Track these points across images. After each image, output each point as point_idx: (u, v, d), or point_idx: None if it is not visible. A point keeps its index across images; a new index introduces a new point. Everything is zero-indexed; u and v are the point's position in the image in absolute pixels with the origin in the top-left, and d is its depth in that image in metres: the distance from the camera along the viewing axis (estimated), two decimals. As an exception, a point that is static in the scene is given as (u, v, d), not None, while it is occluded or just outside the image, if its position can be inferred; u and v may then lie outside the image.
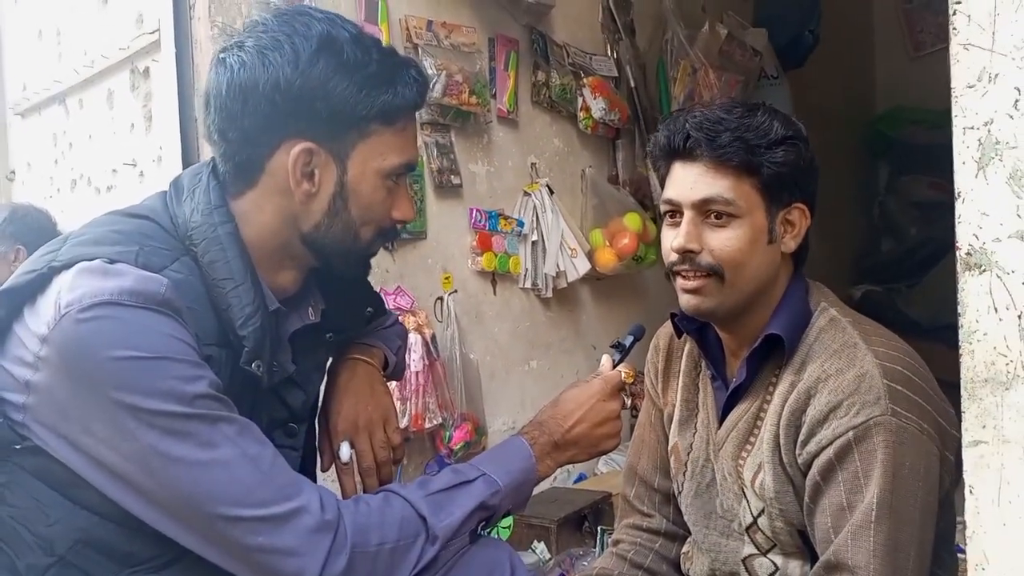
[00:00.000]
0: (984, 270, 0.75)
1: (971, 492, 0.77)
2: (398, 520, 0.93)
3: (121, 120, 2.21)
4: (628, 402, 1.16)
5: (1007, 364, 0.74)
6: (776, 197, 1.07)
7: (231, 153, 0.97)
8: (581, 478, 2.69)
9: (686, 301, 1.09)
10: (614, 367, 1.15)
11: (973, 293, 0.76)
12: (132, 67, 2.14)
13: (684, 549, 1.27)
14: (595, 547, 2.13)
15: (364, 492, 1.10)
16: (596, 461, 2.77)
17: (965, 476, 0.77)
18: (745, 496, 1.11)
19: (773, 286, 1.11)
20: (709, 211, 1.05)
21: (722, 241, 1.05)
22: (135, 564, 0.90)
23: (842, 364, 1.02)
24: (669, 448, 1.26)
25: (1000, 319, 0.75)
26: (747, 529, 1.12)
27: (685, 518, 1.24)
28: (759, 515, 1.10)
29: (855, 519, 0.98)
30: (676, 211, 1.08)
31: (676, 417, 1.24)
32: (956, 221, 0.77)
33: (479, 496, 0.98)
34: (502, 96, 2.51)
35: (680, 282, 1.09)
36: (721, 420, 1.15)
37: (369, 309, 1.18)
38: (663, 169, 1.12)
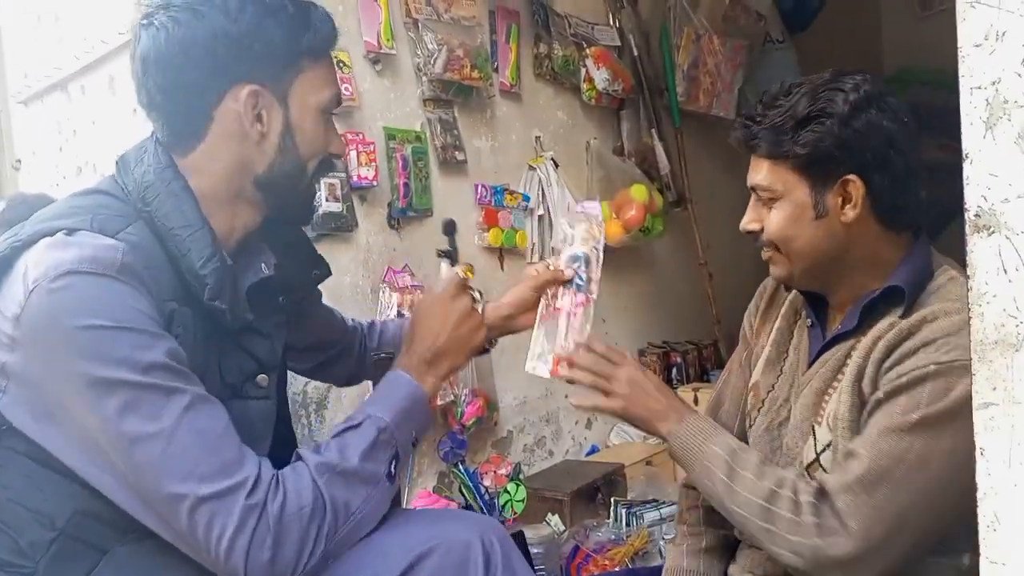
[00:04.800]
0: (993, 231, 0.74)
1: (982, 454, 0.77)
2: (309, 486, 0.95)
3: (123, 105, 2.20)
4: (477, 295, 1.21)
5: (1017, 325, 0.74)
6: (818, 174, 1.10)
7: (176, 110, 1.01)
8: (594, 450, 2.71)
9: (771, 271, 1.21)
10: (453, 267, 1.24)
11: (982, 255, 0.75)
12: (132, 52, 2.13)
13: None
14: (609, 519, 2.15)
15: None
16: (608, 432, 2.79)
17: (976, 438, 0.77)
18: (814, 433, 1.13)
19: (848, 254, 1.13)
20: (759, 195, 1.15)
21: (769, 220, 1.15)
22: (135, 530, 0.92)
23: (951, 309, 1.05)
24: (750, 385, 1.30)
25: (1009, 280, 0.74)
26: (808, 467, 1.13)
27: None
28: (823, 450, 1.11)
29: (891, 424, 1.00)
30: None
31: (764, 357, 1.28)
32: (964, 183, 0.76)
33: (370, 437, 1.01)
34: (504, 69, 2.49)
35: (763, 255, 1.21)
36: (810, 364, 1.19)
37: (315, 271, 1.21)
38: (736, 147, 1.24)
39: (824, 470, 1.10)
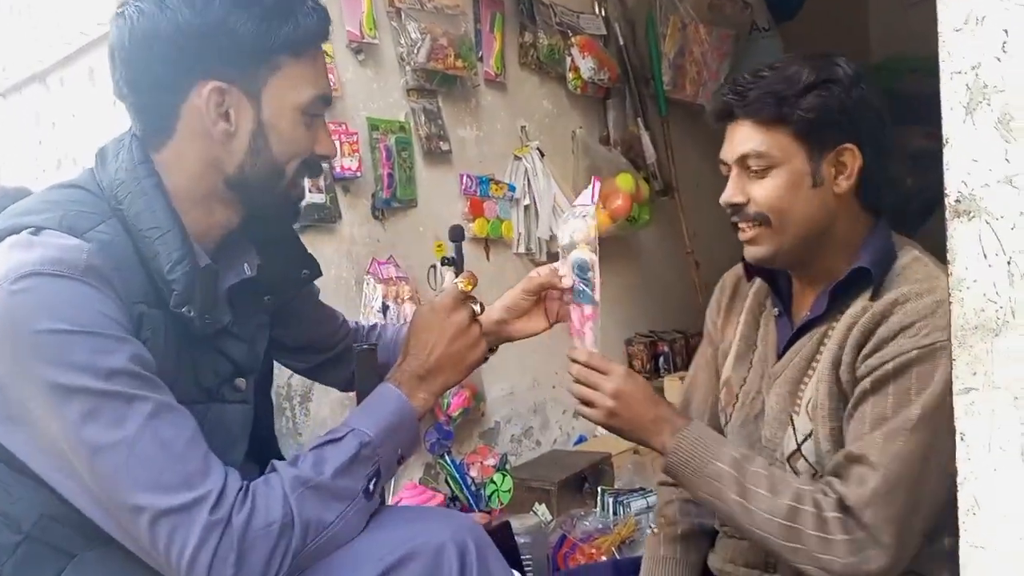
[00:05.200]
0: (973, 216, 0.74)
1: (962, 439, 0.77)
2: (280, 499, 0.91)
3: (103, 97, 2.18)
4: (477, 308, 1.13)
5: (997, 310, 0.74)
6: (817, 141, 1.09)
7: (143, 104, 0.97)
8: (581, 440, 2.71)
9: (747, 252, 1.17)
10: (457, 277, 1.15)
11: (962, 240, 0.75)
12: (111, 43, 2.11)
13: None
14: (596, 508, 2.15)
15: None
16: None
17: (956, 423, 0.77)
18: (792, 423, 1.13)
19: (833, 227, 1.13)
20: (748, 165, 1.12)
21: (762, 190, 1.11)
22: (102, 536, 0.89)
23: (920, 290, 1.05)
24: (722, 381, 1.29)
25: (990, 265, 0.74)
26: (788, 458, 1.13)
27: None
28: (804, 440, 1.11)
29: (893, 423, 1.00)
30: (727, 170, 1.16)
31: (733, 352, 1.27)
32: (944, 168, 0.76)
33: (349, 451, 0.96)
34: (489, 59, 2.48)
35: (739, 234, 1.16)
36: (781, 354, 1.18)
37: (305, 271, 1.17)
38: (721, 134, 1.18)
39: (806, 459, 1.10)
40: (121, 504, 0.85)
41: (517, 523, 1.95)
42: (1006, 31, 0.72)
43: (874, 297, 1.08)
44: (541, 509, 2.14)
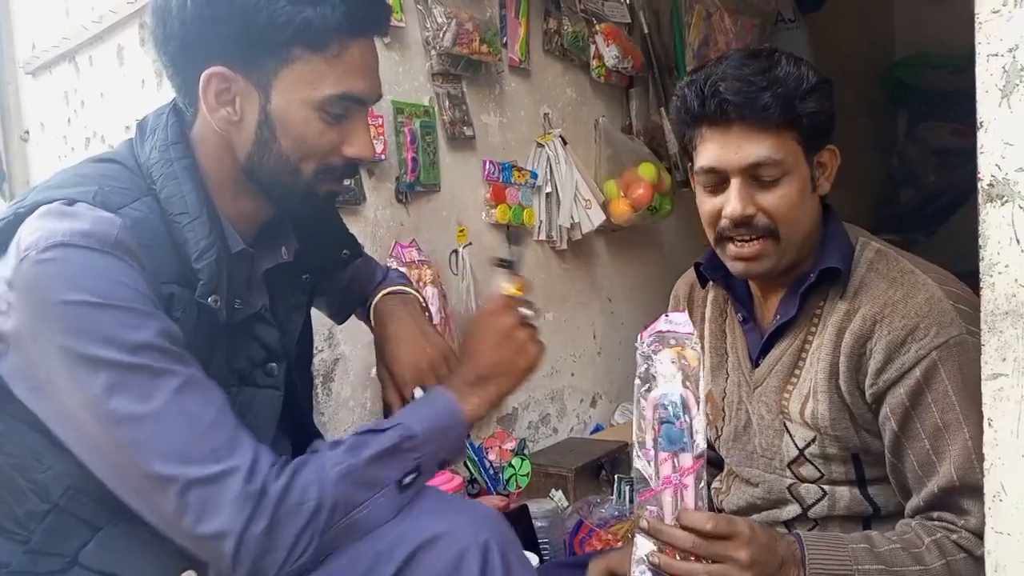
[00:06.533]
0: (1006, 201, 0.74)
1: (989, 424, 0.77)
2: (317, 481, 0.89)
3: (132, 76, 2.20)
4: (529, 312, 1.04)
5: (1028, 296, 0.74)
6: (812, 144, 1.07)
7: (171, 77, 0.97)
8: (598, 428, 2.72)
9: (741, 268, 1.08)
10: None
11: (994, 224, 0.75)
12: (141, 21, 2.12)
13: (715, 484, 1.29)
14: (612, 495, 2.16)
15: None
16: (612, 412, 2.79)
17: (984, 408, 0.77)
18: (788, 430, 1.11)
19: (814, 231, 1.11)
20: (758, 175, 1.04)
21: (775, 201, 1.04)
22: (126, 510, 0.89)
23: (907, 290, 1.03)
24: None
25: (1022, 251, 0.74)
26: (789, 464, 1.12)
27: (727, 460, 1.25)
28: (808, 445, 1.09)
29: (952, 432, 0.98)
30: (720, 179, 1.06)
31: (706, 365, 1.24)
32: (978, 152, 0.75)
33: (389, 442, 0.93)
34: (513, 45, 2.47)
35: (733, 249, 1.07)
36: (756, 360, 1.16)
37: (345, 252, 1.15)
38: (688, 132, 1.10)
39: (811, 463, 1.10)
40: (147, 474, 0.84)
41: (534, 507, 1.97)
42: (1045, 14, 0.71)
43: (847, 296, 1.06)
44: (558, 495, 2.15)
